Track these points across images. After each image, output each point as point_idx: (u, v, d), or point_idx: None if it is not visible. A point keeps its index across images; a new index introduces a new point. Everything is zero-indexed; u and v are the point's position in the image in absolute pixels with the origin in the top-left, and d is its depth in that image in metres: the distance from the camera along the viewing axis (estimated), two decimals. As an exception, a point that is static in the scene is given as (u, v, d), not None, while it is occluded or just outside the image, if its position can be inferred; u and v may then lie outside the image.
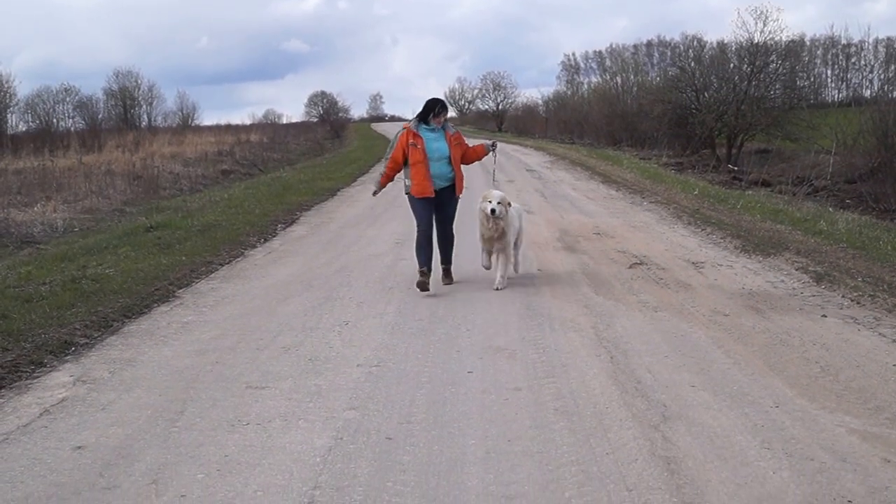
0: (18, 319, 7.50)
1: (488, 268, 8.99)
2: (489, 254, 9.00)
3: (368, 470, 4.40)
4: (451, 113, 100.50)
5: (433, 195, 8.71)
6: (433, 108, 8.74)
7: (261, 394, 5.66)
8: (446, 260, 9.24)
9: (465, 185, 9.04)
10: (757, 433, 4.73)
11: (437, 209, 8.89)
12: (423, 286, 8.64)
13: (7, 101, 44.63)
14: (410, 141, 8.65)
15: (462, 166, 9.03)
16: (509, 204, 8.76)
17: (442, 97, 8.77)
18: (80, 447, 4.80)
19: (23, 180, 21.11)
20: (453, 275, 9.25)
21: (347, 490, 4.17)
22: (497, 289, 8.63)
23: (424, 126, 8.75)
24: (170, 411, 5.36)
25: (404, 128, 8.86)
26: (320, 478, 4.31)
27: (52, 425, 5.16)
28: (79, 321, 7.54)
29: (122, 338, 7.22)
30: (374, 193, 9.20)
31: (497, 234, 8.69)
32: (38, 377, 6.15)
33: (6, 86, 44.28)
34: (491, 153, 9.24)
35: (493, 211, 8.48)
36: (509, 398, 5.43)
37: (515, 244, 9.17)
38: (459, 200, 9.09)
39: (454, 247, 9.26)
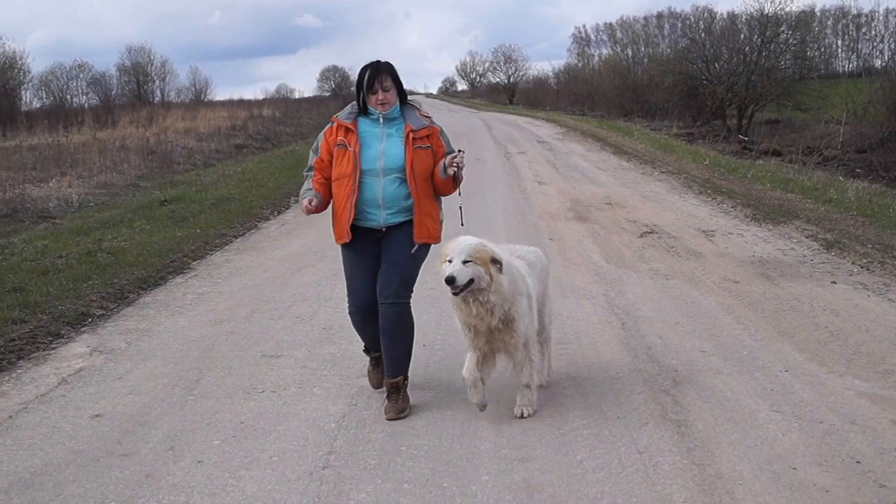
0: (36, 292, 7.60)
1: (481, 405, 4.63)
2: (479, 359, 4.60)
3: (382, 435, 4.47)
4: (462, 86, 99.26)
5: (349, 238, 4.80)
6: (361, 80, 4.79)
7: (275, 362, 5.73)
8: (394, 368, 4.80)
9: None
10: (766, 397, 4.77)
11: (381, 263, 4.86)
12: (376, 382, 5.13)
13: (21, 77, 44.50)
14: (339, 139, 4.84)
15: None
16: (496, 262, 4.37)
17: (388, 60, 4.85)
18: (97, 415, 4.89)
19: (38, 156, 21.17)
20: (409, 394, 4.87)
21: (362, 454, 4.23)
22: (521, 416, 4.63)
23: (366, 117, 4.89)
24: (186, 380, 5.44)
25: (333, 120, 4.98)
26: (335, 443, 4.38)
27: (70, 394, 5.26)
28: (95, 293, 7.63)
29: (137, 309, 7.31)
30: (307, 205, 4.97)
31: (493, 323, 4.46)
32: (55, 348, 6.25)
33: (20, 63, 44.22)
34: (452, 178, 4.78)
35: (450, 280, 4.27)
36: (521, 365, 5.47)
37: (541, 330, 4.94)
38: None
39: (412, 344, 4.92)
